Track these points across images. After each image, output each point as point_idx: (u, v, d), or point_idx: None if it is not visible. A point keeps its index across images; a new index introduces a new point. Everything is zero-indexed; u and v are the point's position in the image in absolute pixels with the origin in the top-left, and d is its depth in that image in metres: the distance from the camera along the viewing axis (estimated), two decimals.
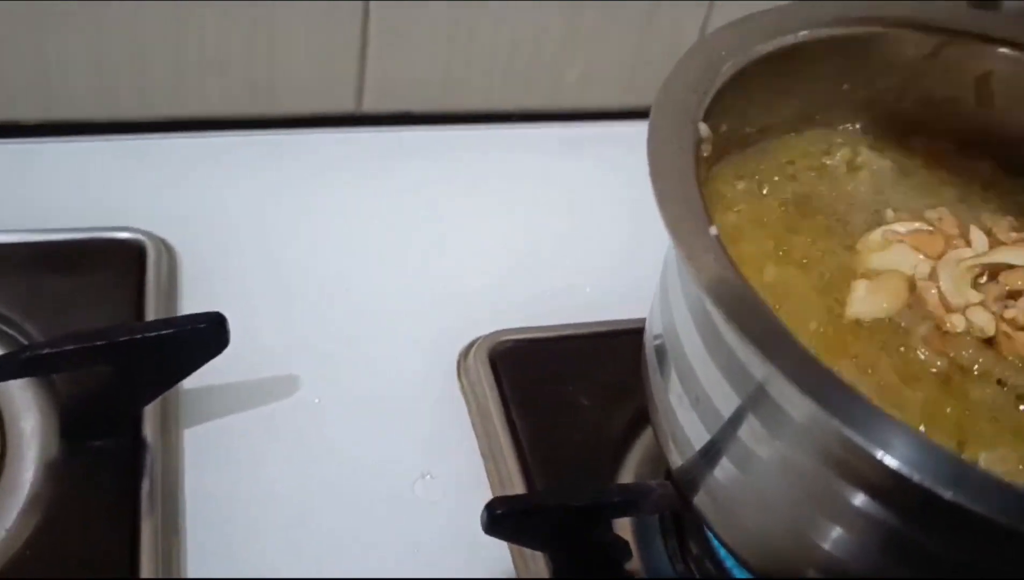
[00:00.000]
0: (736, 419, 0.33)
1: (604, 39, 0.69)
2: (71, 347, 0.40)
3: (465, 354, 0.50)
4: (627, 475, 0.45)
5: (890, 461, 0.26)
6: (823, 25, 0.39)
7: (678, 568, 0.43)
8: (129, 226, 0.52)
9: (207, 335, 0.42)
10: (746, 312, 0.29)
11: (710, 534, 0.41)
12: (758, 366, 0.30)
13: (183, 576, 0.40)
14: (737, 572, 0.41)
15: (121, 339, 0.41)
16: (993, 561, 0.28)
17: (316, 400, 0.47)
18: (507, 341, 0.50)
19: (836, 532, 0.31)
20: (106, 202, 0.55)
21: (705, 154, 0.35)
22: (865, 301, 0.36)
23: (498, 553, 0.42)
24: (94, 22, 0.56)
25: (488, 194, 0.60)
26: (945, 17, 0.42)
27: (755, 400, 0.31)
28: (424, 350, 0.50)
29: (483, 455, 0.46)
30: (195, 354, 0.42)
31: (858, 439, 0.26)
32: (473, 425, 0.47)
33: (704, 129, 0.35)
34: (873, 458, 0.26)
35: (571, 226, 0.59)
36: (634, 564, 0.43)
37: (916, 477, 0.25)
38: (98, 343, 0.41)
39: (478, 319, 0.51)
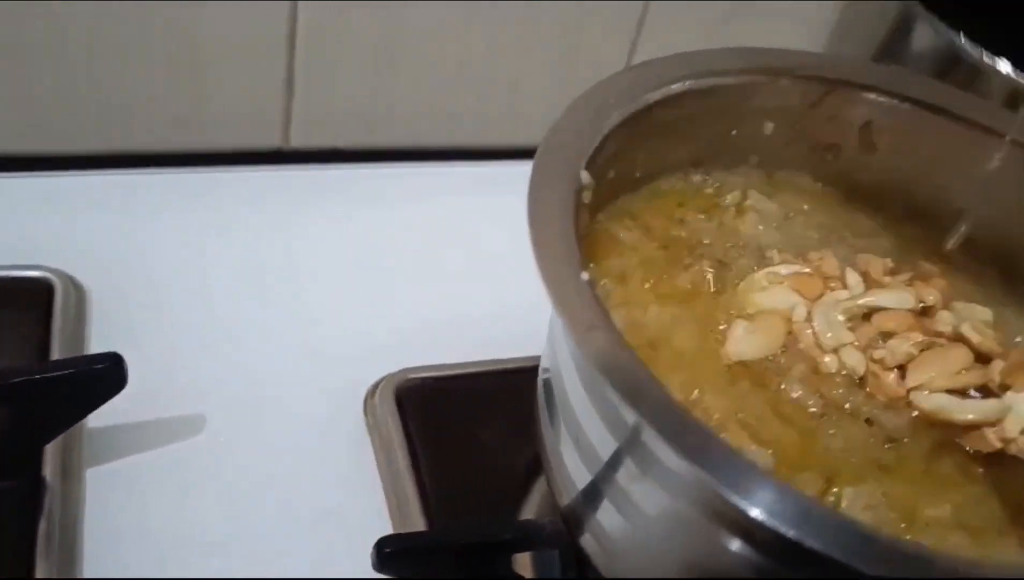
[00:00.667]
0: (613, 462, 0.33)
1: (529, 76, 0.71)
2: None
3: (372, 393, 0.50)
4: (528, 513, 0.46)
5: (746, 506, 0.27)
6: (709, 75, 0.41)
7: None
8: (39, 264, 0.52)
9: (105, 375, 0.41)
10: (613, 359, 0.30)
11: None
12: (630, 414, 0.31)
13: None
14: None
15: (18, 380, 0.41)
16: None
17: (222, 440, 0.47)
18: (414, 379, 0.50)
19: (707, 572, 0.32)
20: (17, 239, 0.54)
21: (587, 201, 0.36)
22: (743, 341, 0.37)
23: None
24: (14, 55, 0.57)
25: (398, 233, 0.60)
26: (828, 67, 0.43)
27: (629, 444, 0.32)
28: (332, 389, 0.50)
29: (386, 494, 0.46)
30: (94, 394, 0.42)
31: (717, 485, 0.27)
32: (377, 464, 0.47)
33: (585, 176, 0.36)
34: (732, 504, 0.27)
35: (481, 264, 0.59)
36: None
37: (767, 519, 0.27)
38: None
39: (386, 357, 0.51)
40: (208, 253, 0.57)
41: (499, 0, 0.66)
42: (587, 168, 0.36)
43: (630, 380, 0.29)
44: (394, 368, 0.51)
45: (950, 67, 0.57)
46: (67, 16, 0.56)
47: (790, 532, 0.26)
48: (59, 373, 0.41)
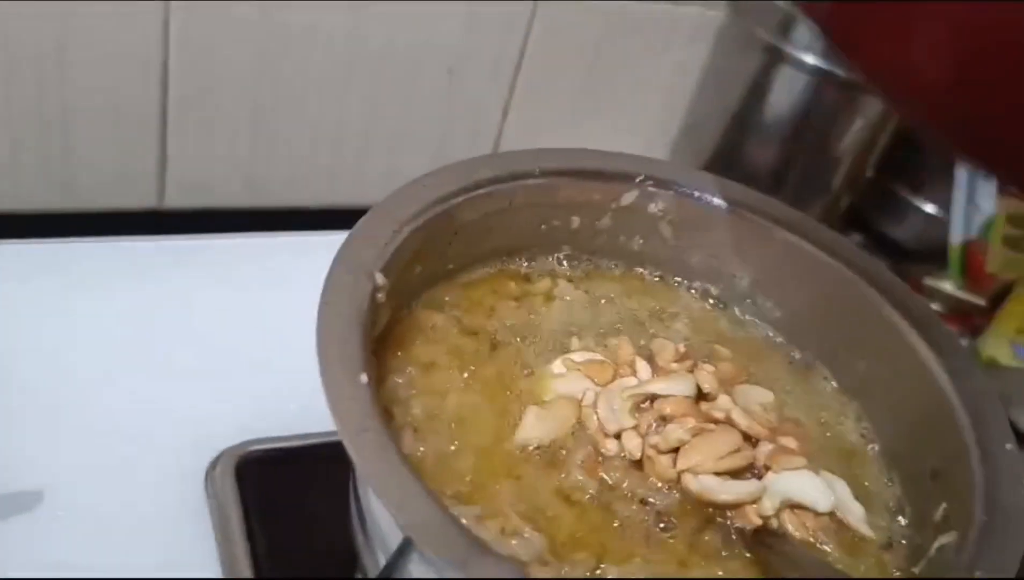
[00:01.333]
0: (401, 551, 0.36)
1: (405, 136, 0.74)
2: None
3: (213, 465, 0.52)
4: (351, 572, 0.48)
5: None
6: (511, 178, 0.44)
7: None
8: None
9: None
10: (381, 461, 0.32)
11: None
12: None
13: None
14: None
15: None
16: None
17: (60, 514, 0.49)
18: (254, 451, 0.52)
19: None
20: None
21: (381, 300, 0.39)
22: (533, 427, 0.40)
23: None
24: None
25: (243, 303, 0.62)
26: (625, 168, 0.47)
27: (405, 550, 0.35)
28: (174, 463, 0.52)
29: (223, 566, 0.48)
30: None
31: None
32: (215, 537, 0.49)
33: (380, 277, 0.38)
34: None
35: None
36: None
37: None
38: None
39: (228, 429, 0.53)
40: (39, 324, 0.57)
41: (377, 63, 0.69)
42: (387, 268, 0.39)
43: (394, 481, 0.32)
44: (236, 440, 0.53)
45: None
46: None
47: None
48: None
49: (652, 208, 0.47)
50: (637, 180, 0.47)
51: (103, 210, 0.69)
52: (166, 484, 0.51)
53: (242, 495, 0.50)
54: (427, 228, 0.41)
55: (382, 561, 0.38)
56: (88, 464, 0.51)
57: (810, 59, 0.70)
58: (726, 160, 0.78)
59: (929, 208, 0.81)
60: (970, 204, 0.72)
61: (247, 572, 0.47)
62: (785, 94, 0.74)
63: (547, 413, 0.41)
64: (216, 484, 0.51)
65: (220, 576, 0.47)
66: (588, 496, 0.39)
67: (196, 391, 0.56)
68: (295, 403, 0.55)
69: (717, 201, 0.47)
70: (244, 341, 0.60)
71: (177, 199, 0.72)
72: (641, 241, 0.48)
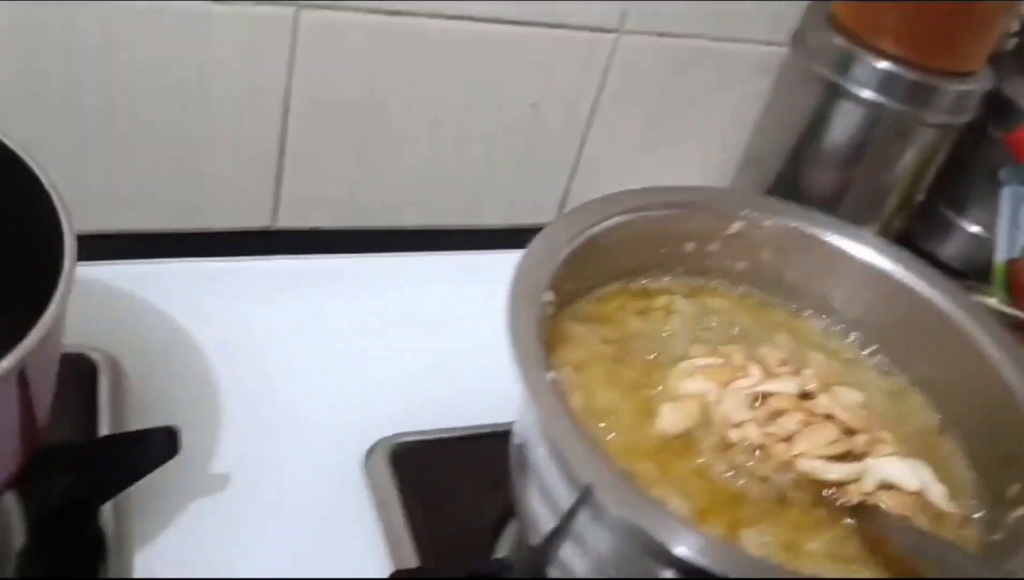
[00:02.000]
0: (570, 511, 0.44)
1: (491, 164, 0.82)
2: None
3: (369, 454, 0.60)
4: (503, 552, 0.56)
5: (672, 545, 0.38)
6: (636, 210, 0.53)
7: None
8: (83, 345, 0.61)
9: (160, 446, 0.51)
10: (572, 437, 0.41)
11: None
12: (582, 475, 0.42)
13: None
14: None
15: (84, 450, 0.51)
16: None
17: (243, 497, 0.57)
18: (406, 442, 0.60)
19: None
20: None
21: (550, 312, 0.47)
22: (667, 419, 0.48)
23: None
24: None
25: (388, 316, 0.71)
26: (729, 201, 0.55)
27: (582, 498, 0.43)
28: (334, 450, 0.60)
29: (384, 540, 0.56)
30: (146, 463, 0.51)
31: (647, 529, 0.38)
32: (377, 518, 0.57)
33: (549, 295, 0.47)
34: (660, 545, 0.38)
35: (466, 341, 0.70)
36: None
37: (687, 555, 0.37)
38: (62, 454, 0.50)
39: (382, 423, 0.62)
40: (219, 333, 0.66)
41: (464, 113, 0.77)
42: (552, 284, 0.47)
43: (584, 453, 0.40)
44: (388, 432, 0.61)
45: None
46: (79, 114, 0.66)
47: (703, 562, 0.37)
48: (121, 445, 0.51)
49: (755, 236, 0.55)
50: (742, 213, 0.55)
51: (223, 229, 0.78)
52: (329, 470, 0.59)
53: (399, 480, 0.58)
54: (578, 251, 0.49)
55: (546, 527, 0.46)
56: (258, 455, 0.59)
57: (867, 94, 0.78)
58: (786, 187, 0.85)
59: (974, 229, 0.88)
60: (1013, 225, 0.80)
61: (408, 547, 0.55)
62: (842, 126, 0.81)
63: (678, 407, 0.49)
64: (373, 469, 0.59)
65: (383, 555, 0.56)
66: (719, 475, 0.47)
67: (353, 388, 0.64)
68: (436, 403, 0.64)
69: (811, 230, 0.55)
70: (391, 348, 0.69)
71: (289, 220, 0.80)
72: (745, 263, 0.56)
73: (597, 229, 0.50)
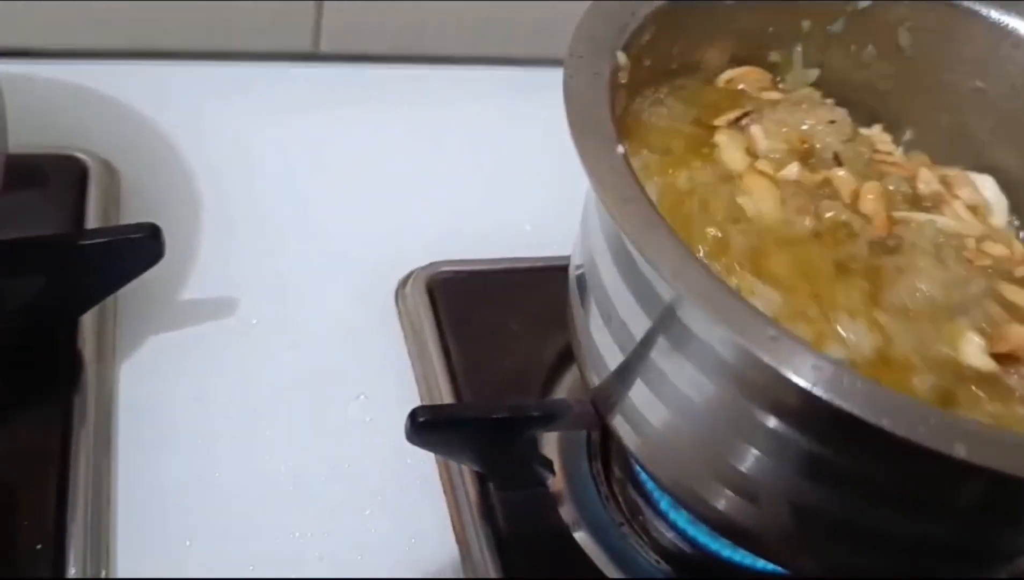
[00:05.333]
0: (646, 339, 0.33)
1: None
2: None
3: (404, 283, 0.50)
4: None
5: (791, 376, 0.26)
6: None
7: (601, 489, 0.44)
8: (73, 146, 0.52)
9: (142, 245, 0.41)
10: (648, 230, 0.29)
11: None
12: (666, 288, 0.30)
13: (113, 482, 0.40)
14: (657, 495, 0.42)
15: (56, 246, 0.41)
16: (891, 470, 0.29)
17: (254, 321, 0.47)
18: (445, 272, 0.50)
19: (744, 449, 0.32)
20: (54, 122, 0.54)
21: (623, 80, 0.35)
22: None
23: (426, 470, 0.43)
24: None
25: (435, 132, 0.60)
26: None
27: (664, 322, 0.32)
28: (364, 278, 0.50)
29: (417, 379, 0.46)
30: (130, 265, 0.42)
31: (761, 355, 0.26)
32: (408, 350, 0.47)
33: (622, 57, 0.35)
34: (777, 374, 0.26)
35: (515, 167, 0.59)
36: (558, 483, 0.43)
37: (815, 389, 0.26)
38: (31, 249, 0.41)
39: (418, 252, 0.51)
40: (239, 144, 0.56)
41: None
42: (627, 50, 0.35)
43: (665, 252, 0.28)
44: (425, 262, 0.51)
45: None
46: None
47: (837, 401, 0.25)
48: (96, 241, 0.41)
49: (887, 17, 0.42)
50: None
51: (262, 51, 0.67)
52: (357, 298, 0.49)
53: (435, 312, 0.48)
54: (659, 19, 0.37)
55: (612, 364, 0.36)
56: (277, 279, 0.49)
57: None
58: None
59: None
60: None
61: (444, 383, 0.45)
62: None
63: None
64: (407, 300, 0.49)
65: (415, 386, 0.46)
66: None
67: (386, 215, 0.54)
68: (482, 231, 0.53)
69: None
70: (433, 169, 0.57)
71: (332, 45, 0.69)
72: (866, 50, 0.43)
73: None
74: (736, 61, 0.43)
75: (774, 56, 0.44)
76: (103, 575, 0.38)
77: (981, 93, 0.43)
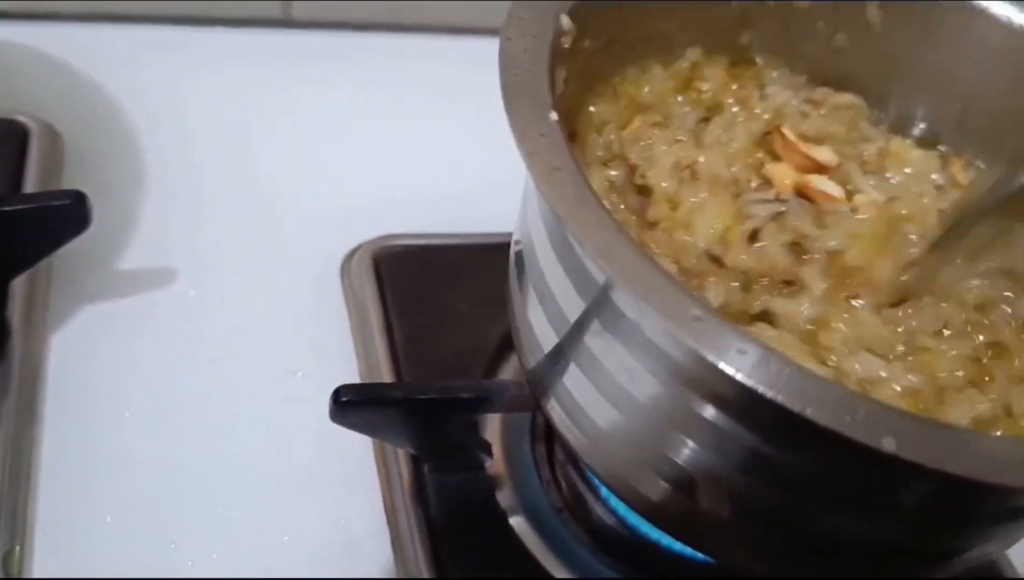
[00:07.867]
0: (580, 323, 0.31)
1: None
2: None
3: (350, 256, 0.47)
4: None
5: (713, 359, 0.24)
6: None
7: (543, 473, 0.42)
8: (16, 109, 0.49)
9: (68, 212, 0.39)
10: (578, 205, 0.27)
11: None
12: (599, 271, 0.28)
13: (36, 452, 0.38)
14: (597, 480, 0.40)
15: None
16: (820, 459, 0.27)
17: (192, 293, 0.45)
18: (393, 246, 0.47)
19: (675, 438, 0.30)
20: None
21: (566, 46, 0.33)
22: None
23: (359, 451, 0.41)
24: None
25: (385, 102, 0.57)
26: None
27: (596, 303, 0.30)
28: (310, 251, 0.47)
29: (358, 355, 0.44)
30: (56, 232, 0.40)
31: (683, 336, 0.24)
32: (351, 326, 0.45)
33: (566, 21, 0.32)
34: (701, 358, 0.24)
35: (476, 138, 0.56)
36: (497, 466, 0.41)
37: (737, 375, 0.24)
38: None
39: (369, 223, 0.49)
40: (186, 110, 0.53)
41: None
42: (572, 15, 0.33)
43: (591, 228, 0.26)
44: (374, 234, 0.48)
45: None
46: None
47: (760, 388, 0.23)
48: (19, 207, 0.39)
49: None
50: None
51: (231, 17, 0.64)
52: (301, 271, 0.47)
53: (380, 288, 0.46)
54: None
55: (547, 346, 0.33)
56: (220, 248, 0.47)
57: None
58: None
59: None
60: None
61: (385, 361, 0.43)
62: None
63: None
64: (352, 274, 0.46)
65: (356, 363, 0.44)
66: None
67: (337, 184, 0.51)
68: (433, 204, 0.51)
69: None
70: (385, 138, 0.55)
71: (303, 11, 0.66)
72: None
73: None
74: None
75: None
76: (16, 549, 0.36)
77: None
